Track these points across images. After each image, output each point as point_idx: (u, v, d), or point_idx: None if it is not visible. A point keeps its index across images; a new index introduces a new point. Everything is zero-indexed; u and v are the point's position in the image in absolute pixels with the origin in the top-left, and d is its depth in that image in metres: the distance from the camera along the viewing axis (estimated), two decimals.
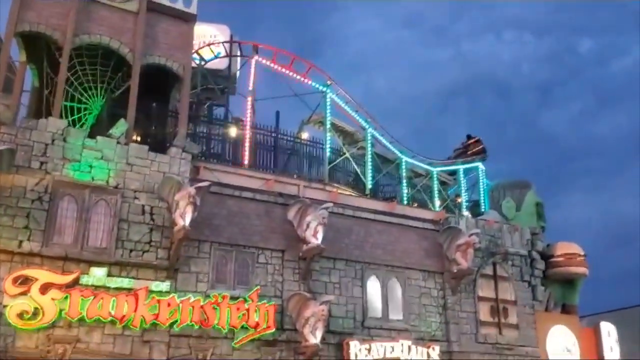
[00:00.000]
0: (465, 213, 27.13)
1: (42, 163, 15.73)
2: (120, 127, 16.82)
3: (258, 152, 21.71)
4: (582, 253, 27.18)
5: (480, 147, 31.09)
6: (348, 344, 18.56)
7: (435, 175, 27.10)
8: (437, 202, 26.83)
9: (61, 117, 16.96)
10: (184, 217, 16.01)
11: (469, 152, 30.97)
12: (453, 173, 30.57)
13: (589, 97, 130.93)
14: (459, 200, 29.76)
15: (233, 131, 21.87)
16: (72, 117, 17.70)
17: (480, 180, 29.72)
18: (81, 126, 17.73)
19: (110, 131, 16.86)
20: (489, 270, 22.80)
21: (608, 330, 25.36)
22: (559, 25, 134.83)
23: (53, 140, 16.04)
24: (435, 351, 19.91)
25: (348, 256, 19.86)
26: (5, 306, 14.22)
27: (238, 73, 22.26)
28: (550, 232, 27.95)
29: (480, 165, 30.35)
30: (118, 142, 16.85)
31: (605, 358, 24.61)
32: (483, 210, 27.88)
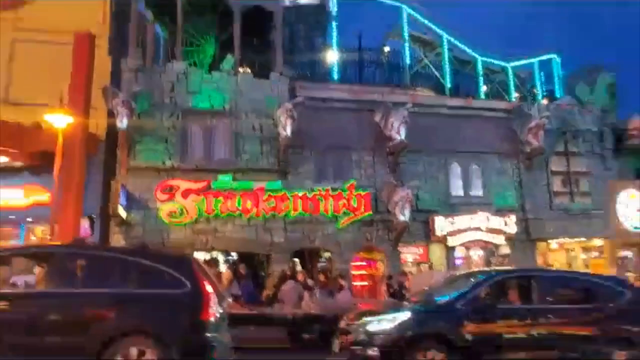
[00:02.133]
0: (541, 101, 24.36)
1: (171, 98, 16.07)
2: (228, 62, 17.04)
3: (346, 68, 20.66)
4: None
5: None
6: (433, 220, 18.06)
7: (510, 70, 24.39)
8: (514, 94, 24.20)
9: (184, 59, 17.01)
10: (286, 128, 15.90)
11: None
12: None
13: None
14: (535, 91, 26.70)
15: (324, 54, 20.82)
16: (192, 60, 17.64)
17: (555, 71, 26.29)
18: (199, 65, 17.66)
19: (221, 66, 16.77)
20: (560, 147, 20.77)
21: None
22: None
23: (178, 79, 16.22)
24: (511, 219, 18.84)
25: (431, 148, 18.75)
26: (158, 209, 14.90)
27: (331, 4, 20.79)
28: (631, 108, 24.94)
29: (555, 57, 26.88)
30: (228, 74, 16.77)
31: None
32: (557, 96, 24.91)
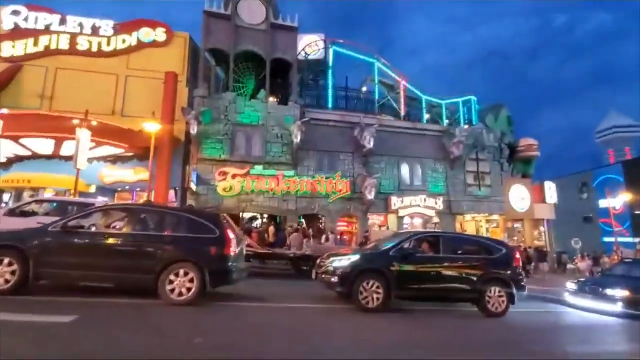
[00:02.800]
0: (462, 126, 24.61)
1: (225, 115, 16.36)
2: (261, 94, 17.04)
3: (337, 100, 20.89)
4: (535, 143, 24.29)
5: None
6: (390, 199, 18.40)
7: (443, 105, 24.60)
8: (445, 121, 24.43)
9: (233, 91, 17.23)
10: (297, 137, 16.22)
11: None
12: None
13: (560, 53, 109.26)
14: (455, 119, 26.76)
15: (324, 90, 20.99)
16: (239, 91, 17.86)
17: (473, 106, 26.46)
18: (244, 95, 17.80)
19: (257, 96, 17.00)
20: (473, 156, 21.02)
21: (549, 186, 22.73)
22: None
23: (229, 103, 16.51)
24: (440, 200, 19.27)
25: (389, 153, 19.09)
26: (216, 185, 15.39)
27: (329, 60, 20.89)
28: (525, 132, 25.15)
29: (473, 97, 26.96)
30: (261, 101, 16.98)
31: (547, 201, 22.14)
32: (474, 123, 25.14)
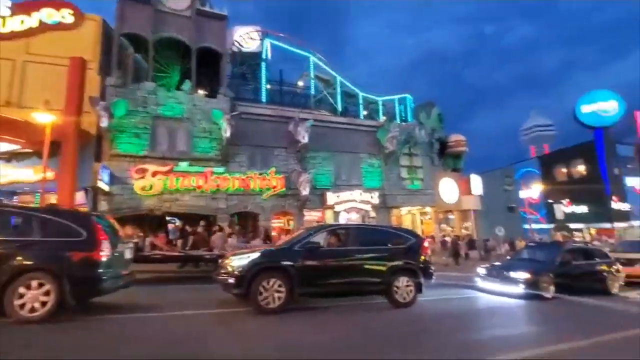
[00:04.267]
0: (398, 122, 25.07)
1: (144, 107, 14.81)
2: (186, 85, 15.63)
3: (273, 94, 20.03)
4: (464, 139, 25.58)
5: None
6: (325, 194, 18.02)
7: (380, 102, 24.91)
8: (382, 117, 24.70)
9: (154, 81, 15.70)
10: (227, 132, 15.20)
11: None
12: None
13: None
14: (389, 116, 27.18)
15: (258, 84, 20.08)
16: (163, 82, 16.34)
17: (408, 104, 27.16)
18: (168, 86, 16.28)
19: (182, 87, 15.64)
20: (406, 151, 21.31)
21: (475, 179, 23.98)
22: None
23: (149, 94, 14.99)
24: (376, 194, 19.22)
25: (325, 148, 18.64)
26: (133, 184, 13.87)
27: (263, 53, 19.93)
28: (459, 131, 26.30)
29: (409, 95, 27.71)
30: (187, 93, 15.64)
31: (473, 193, 23.30)
32: (408, 120, 25.78)
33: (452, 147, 25.36)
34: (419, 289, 6.69)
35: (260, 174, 16.30)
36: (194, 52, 16.06)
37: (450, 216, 24.66)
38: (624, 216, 33.97)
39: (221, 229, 11.77)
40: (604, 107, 36.38)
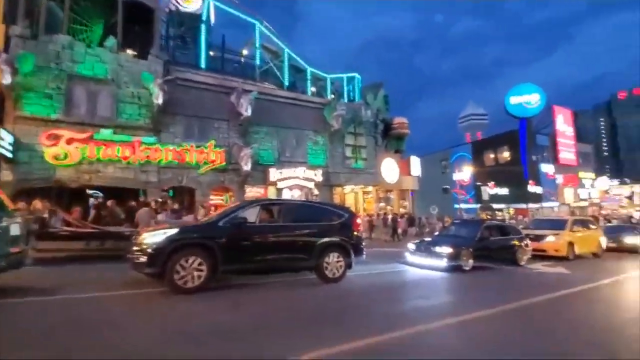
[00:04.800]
0: (344, 101, 24.98)
1: (57, 63, 12.80)
2: (109, 41, 13.73)
3: (214, 61, 18.57)
4: (407, 122, 26.28)
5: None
6: (268, 171, 17.47)
7: (328, 79, 24.48)
8: (330, 95, 24.36)
9: (71, 34, 13.57)
10: (158, 98, 13.84)
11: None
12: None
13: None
14: (337, 94, 27.07)
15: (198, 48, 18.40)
16: (83, 36, 14.20)
17: (357, 84, 27.03)
18: (87, 41, 14.22)
19: (105, 44, 13.71)
20: (351, 130, 21.44)
21: (414, 161, 24.97)
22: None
23: (63, 49, 12.92)
24: (319, 172, 19.08)
25: (269, 123, 17.91)
26: (43, 152, 12.10)
27: (204, 14, 18.15)
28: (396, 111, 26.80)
29: (357, 75, 27.57)
30: (110, 51, 13.74)
31: (412, 174, 24.29)
32: (356, 100, 25.76)
33: (396, 129, 25.95)
34: (349, 265, 6.69)
35: (198, 147, 15.16)
36: (120, 4, 14.12)
37: (391, 195, 25.61)
38: (537, 198, 38.12)
39: (147, 204, 10.70)
40: (528, 99, 39.79)
